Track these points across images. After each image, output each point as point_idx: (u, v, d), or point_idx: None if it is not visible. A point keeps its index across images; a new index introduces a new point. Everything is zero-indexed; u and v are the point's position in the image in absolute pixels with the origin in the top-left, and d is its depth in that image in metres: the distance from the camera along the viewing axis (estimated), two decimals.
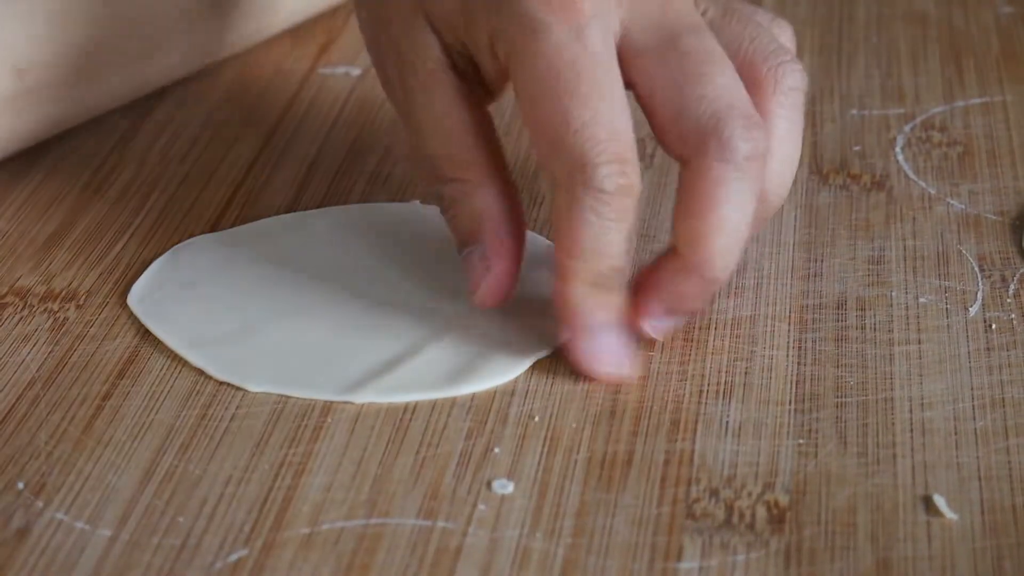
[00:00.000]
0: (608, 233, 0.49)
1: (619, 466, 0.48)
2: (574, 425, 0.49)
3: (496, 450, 0.48)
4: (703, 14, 0.52)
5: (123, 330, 0.53)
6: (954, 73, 0.68)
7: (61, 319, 0.54)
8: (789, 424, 0.49)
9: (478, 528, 0.45)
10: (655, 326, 0.51)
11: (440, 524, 0.46)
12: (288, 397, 0.50)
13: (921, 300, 0.54)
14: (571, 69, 0.48)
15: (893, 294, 0.55)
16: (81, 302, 0.55)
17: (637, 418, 0.49)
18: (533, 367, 0.51)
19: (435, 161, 0.52)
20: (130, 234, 0.58)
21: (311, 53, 0.70)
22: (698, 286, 0.50)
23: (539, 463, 0.48)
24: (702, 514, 0.46)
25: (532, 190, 0.60)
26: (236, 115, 0.66)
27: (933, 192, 0.60)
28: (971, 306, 0.54)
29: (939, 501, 0.46)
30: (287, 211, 0.60)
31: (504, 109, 0.63)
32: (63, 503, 0.46)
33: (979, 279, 0.55)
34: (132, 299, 0.55)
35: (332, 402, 0.50)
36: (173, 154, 0.63)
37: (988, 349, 0.52)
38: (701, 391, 0.50)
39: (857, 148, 0.63)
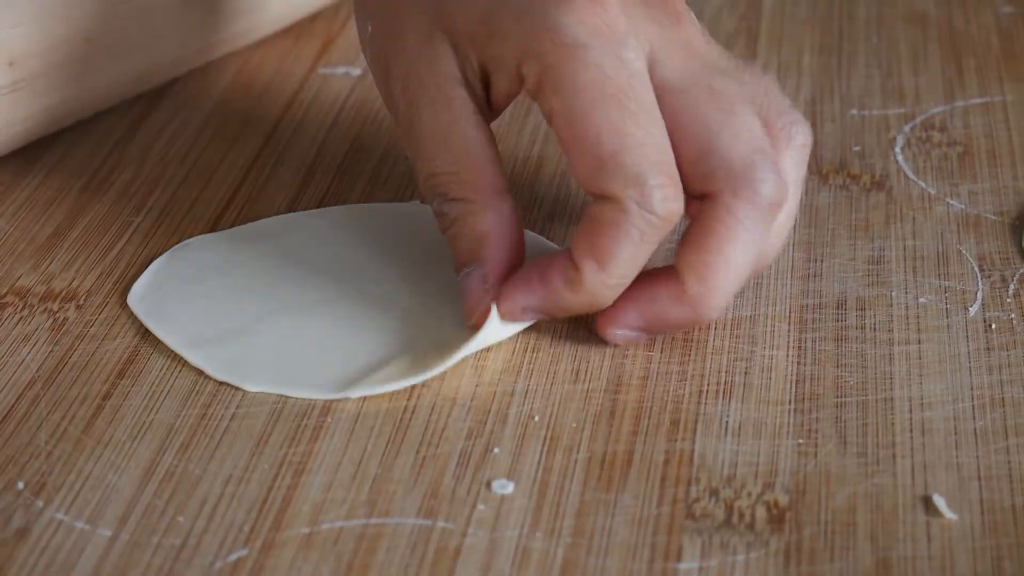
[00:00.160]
0: (640, 254, 0.49)
1: (619, 466, 0.48)
2: (574, 425, 0.49)
3: (496, 450, 0.48)
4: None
5: (123, 330, 0.53)
6: (954, 73, 0.68)
7: (61, 319, 0.54)
8: (789, 424, 0.49)
9: (478, 528, 0.45)
10: (622, 335, 0.51)
11: (440, 524, 0.46)
12: (287, 397, 0.50)
13: (921, 300, 0.54)
14: (615, 85, 0.49)
15: (893, 294, 0.55)
16: (81, 302, 0.55)
17: (637, 418, 0.49)
18: (533, 367, 0.51)
19: (439, 179, 0.52)
20: (130, 234, 0.58)
21: (311, 53, 0.70)
22: (687, 317, 0.51)
23: (539, 463, 0.48)
24: (702, 514, 0.46)
25: (533, 191, 0.60)
26: (236, 115, 0.66)
27: (933, 192, 0.60)
28: (971, 306, 0.54)
29: (939, 501, 0.46)
30: (287, 211, 0.60)
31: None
32: (63, 503, 0.46)
33: (979, 279, 0.55)
34: (132, 299, 0.55)
35: (332, 402, 0.50)
36: (173, 154, 0.63)
37: (988, 349, 0.52)
38: (701, 391, 0.50)
39: (857, 148, 0.63)
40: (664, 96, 0.50)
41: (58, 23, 0.60)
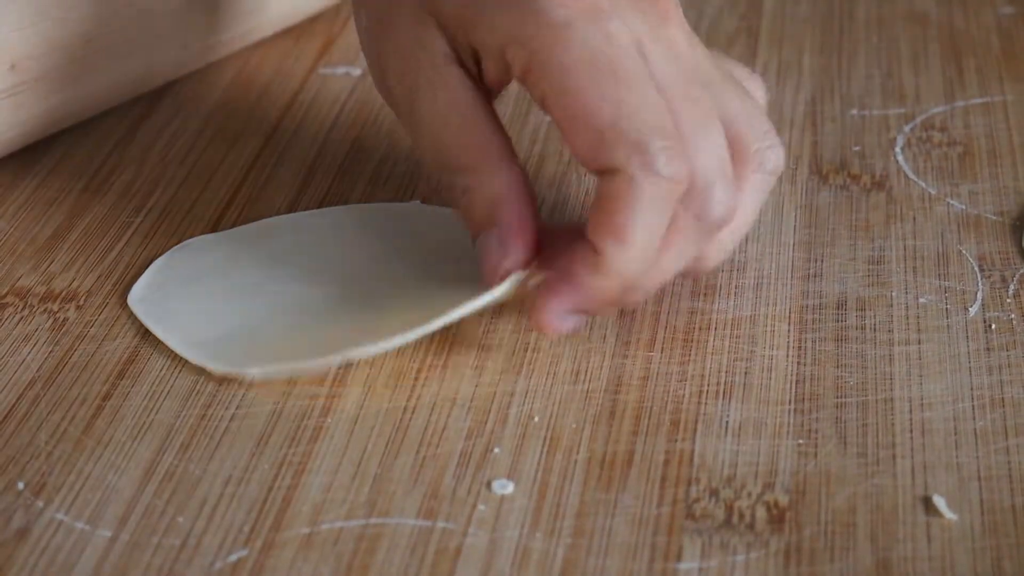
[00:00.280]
0: (655, 222, 0.48)
1: (619, 466, 0.48)
2: (574, 425, 0.49)
3: (496, 450, 0.48)
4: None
5: (123, 330, 0.53)
6: (954, 73, 0.68)
7: (61, 319, 0.54)
8: (789, 424, 0.49)
9: (478, 528, 0.45)
10: (555, 321, 0.50)
11: (440, 524, 0.46)
12: (288, 396, 0.50)
13: (921, 300, 0.54)
14: (605, 57, 0.48)
15: (893, 294, 0.55)
16: (81, 302, 0.55)
17: (637, 418, 0.49)
18: (533, 367, 0.51)
19: (445, 152, 0.52)
20: (130, 234, 0.58)
21: (311, 53, 0.70)
22: (610, 285, 0.49)
23: (539, 463, 0.48)
24: (702, 514, 0.46)
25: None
26: (236, 115, 0.66)
27: (933, 192, 0.60)
28: (971, 306, 0.54)
29: (939, 501, 0.46)
30: (287, 211, 0.60)
31: (504, 108, 0.63)
32: (63, 503, 0.46)
33: (979, 279, 0.55)
34: (132, 299, 0.55)
35: (332, 401, 0.50)
36: (173, 154, 0.63)
37: (988, 349, 0.52)
38: (701, 391, 0.50)
39: (857, 148, 0.63)
40: None
41: (59, 25, 0.60)
